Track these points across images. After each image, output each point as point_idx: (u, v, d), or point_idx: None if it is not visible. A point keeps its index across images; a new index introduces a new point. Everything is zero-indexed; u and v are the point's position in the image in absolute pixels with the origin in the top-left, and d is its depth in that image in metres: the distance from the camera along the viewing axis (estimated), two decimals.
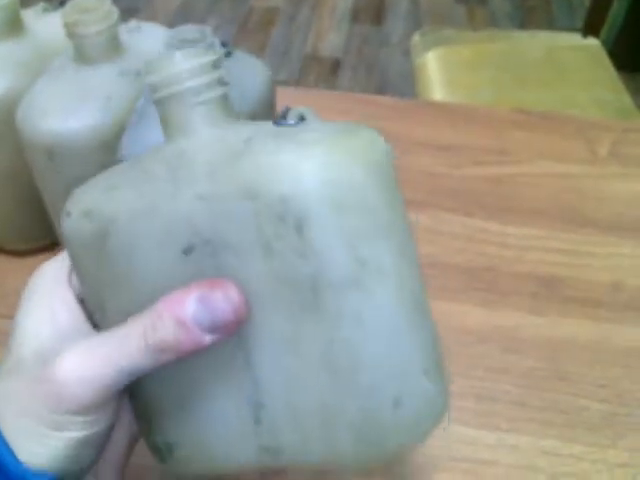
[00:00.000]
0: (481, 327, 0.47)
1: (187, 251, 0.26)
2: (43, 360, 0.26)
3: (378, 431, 0.26)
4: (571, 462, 0.41)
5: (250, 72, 0.44)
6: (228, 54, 0.44)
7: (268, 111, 0.45)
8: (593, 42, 1.30)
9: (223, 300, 0.25)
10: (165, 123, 0.27)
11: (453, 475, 0.40)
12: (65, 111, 0.41)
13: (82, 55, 0.42)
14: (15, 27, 0.44)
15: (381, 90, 1.90)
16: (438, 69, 1.25)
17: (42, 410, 0.26)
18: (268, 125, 0.27)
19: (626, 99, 1.18)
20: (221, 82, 0.27)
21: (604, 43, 1.30)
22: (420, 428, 0.27)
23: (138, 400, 0.30)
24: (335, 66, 1.99)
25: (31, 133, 0.41)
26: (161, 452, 0.30)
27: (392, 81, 1.94)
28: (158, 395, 0.29)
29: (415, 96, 1.25)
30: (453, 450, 0.41)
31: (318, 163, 0.24)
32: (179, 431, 0.29)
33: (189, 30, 0.39)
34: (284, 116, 0.27)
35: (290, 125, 0.27)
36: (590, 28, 1.40)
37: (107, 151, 0.40)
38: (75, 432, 0.26)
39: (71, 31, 0.41)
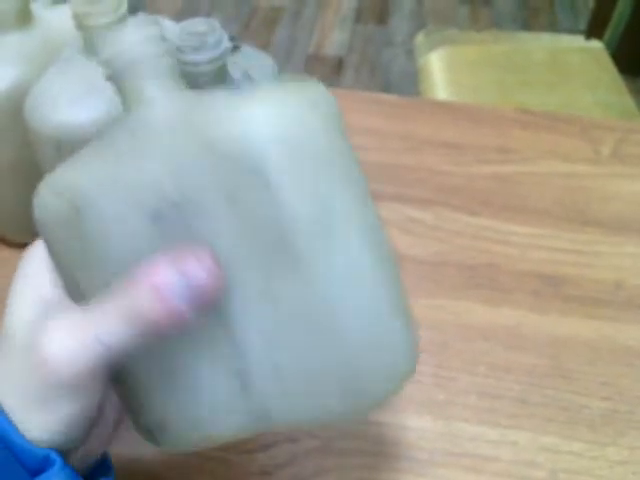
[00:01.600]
0: (484, 324, 0.47)
1: (155, 217, 0.26)
2: (31, 338, 0.27)
3: (361, 379, 0.27)
4: (571, 459, 0.41)
5: (257, 67, 0.44)
6: (235, 48, 0.44)
7: None
8: (596, 45, 1.30)
9: (196, 266, 0.25)
10: (123, 96, 0.28)
11: (454, 470, 0.40)
12: (73, 103, 0.41)
13: (91, 47, 0.42)
14: (25, 18, 0.45)
15: (385, 90, 1.90)
16: (441, 69, 1.26)
17: (31, 386, 0.26)
18: (221, 91, 0.27)
19: (629, 101, 1.19)
20: (170, 53, 0.28)
21: (607, 46, 1.31)
22: (399, 372, 0.27)
23: (126, 383, 0.30)
24: (339, 65, 2.00)
25: (39, 125, 0.41)
26: (153, 433, 0.30)
27: (396, 81, 1.94)
28: (144, 375, 0.29)
29: (418, 96, 1.25)
30: (454, 446, 0.41)
31: (272, 111, 0.25)
32: (168, 408, 0.29)
33: (198, 23, 0.39)
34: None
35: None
36: (594, 30, 1.40)
37: None
38: (64, 407, 0.26)
39: (80, 23, 0.41)
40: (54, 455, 0.26)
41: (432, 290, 0.50)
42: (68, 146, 0.41)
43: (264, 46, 2.04)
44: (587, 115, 1.12)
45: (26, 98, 0.42)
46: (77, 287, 0.28)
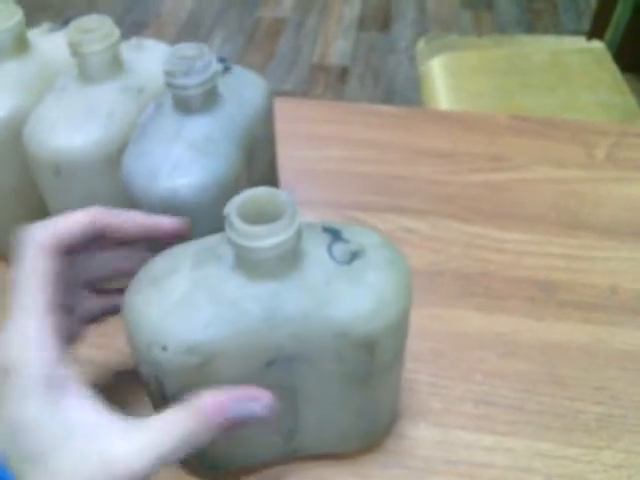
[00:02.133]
0: (479, 332, 0.48)
1: (269, 364, 0.33)
2: (58, 389, 0.29)
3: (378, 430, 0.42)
4: (567, 463, 0.41)
5: (249, 87, 0.45)
6: (226, 69, 0.45)
7: (266, 126, 0.46)
8: (597, 45, 1.31)
9: (259, 407, 0.31)
10: (253, 268, 0.32)
11: (449, 478, 0.40)
12: (70, 128, 0.42)
13: (85, 73, 0.43)
14: (21, 47, 0.46)
15: (389, 97, 1.91)
16: (443, 76, 1.27)
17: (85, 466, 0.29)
18: (331, 264, 0.33)
19: (631, 101, 1.19)
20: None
21: (609, 46, 1.31)
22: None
23: None
24: (343, 74, 2.01)
25: (38, 150, 0.42)
26: (199, 464, 0.40)
27: (400, 88, 1.95)
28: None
29: (421, 102, 1.26)
30: (450, 453, 0.42)
31: (388, 311, 0.34)
32: (225, 459, 0.39)
33: (188, 47, 0.40)
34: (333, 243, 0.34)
35: (350, 263, 0.34)
36: (597, 31, 1.40)
37: (111, 166, 0.42)
38: None
39: (75, 50, 0.42)
40: None
41: (428, 300, 0.50)
42: (66, 170, 0.42)
43: (268, 57, 2.06)
44: (589, 117, 1.13)
45: (24, 125, 0.43)
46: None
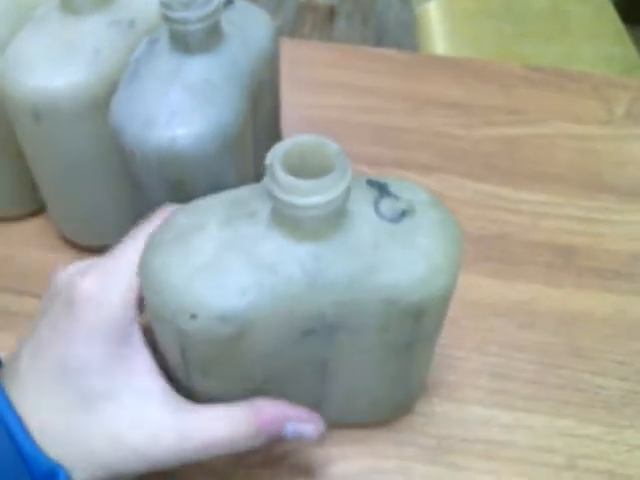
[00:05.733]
0: (494, 300, 0.45)
1: (307, 334, 0.30)
2: (125, 337, 0.29)
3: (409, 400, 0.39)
4: (589, 443, 0.39)
5: (253, 23, 0.40)
6: (228, 3, 0.40)
7: (272, 65, 0.41)
8: None
9: (311, 430, 0.31)
10: (294, 228, 0.28)
11: (466, 458, 0.38)
12: (51, 66, 0.37)
13: (69, 4, 0.38)
14: None
15: (379, 39, 1.84)
16: (439, 20, 1.21)
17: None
18: (379, 223, 0.29)
19: (632, 53, 1.14)
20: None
21: None
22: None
23: None
24: (330, 14, 1.93)
25: (14, 92, 0.37)
26: None
27: (390, 30, 1.88)
28: None
29: (415, 46, 1.20)
30: (467, 431, 0.39)
31: (440, 278, 0.30)
32: None
33: None
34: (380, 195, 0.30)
35: (398, 222, 0.30)
36: None
37: (99, 110, 0.37)
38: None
39: None
40: (60, 470, 0.27)
41: None
42: (47, 115, 0.38)
43: None
44: (589, 68, 1.08)
45: None
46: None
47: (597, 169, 0.53)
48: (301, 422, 0.30)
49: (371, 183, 0.31)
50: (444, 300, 0.31)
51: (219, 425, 0.29)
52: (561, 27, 1.19)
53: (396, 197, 0.30)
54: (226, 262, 0.28)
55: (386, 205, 0.30)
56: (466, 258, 0.47)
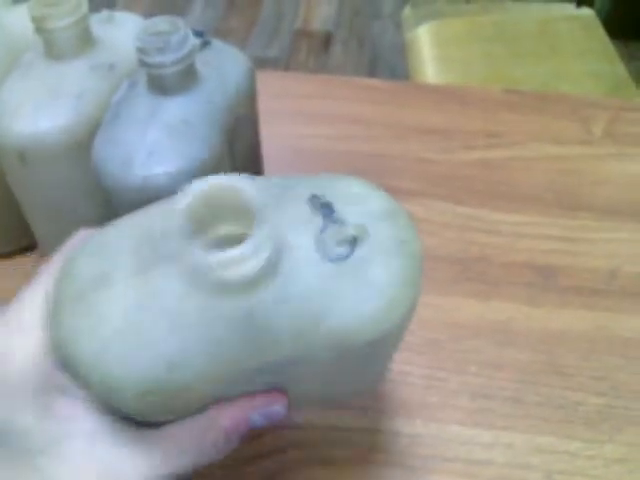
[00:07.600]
0: (474, 321, 0.46)
1: (250, 377, 0.27)
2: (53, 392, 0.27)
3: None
4: (567, 459, 0.40)
5: (230, 62, 0.42)
6: (205, 44, 0.42)
7: (249, 104, 0.43)
8: (587, 12, 1.28)
9: (278, 409, 0.29)
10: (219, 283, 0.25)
11: (447, 477, 0.39)
12: (36, 111, 0.39)
13: (52, 50, 0.40)
14: None
15: (374, 64, 1.87)
16: (429, 44, 1.23)
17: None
18: (323, 262, 0.26)
19: (621, 70, 1.16)
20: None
21: (598, 12, 1.28)
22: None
23: None
24: (326, 40, 1.96)
25: (1, 137, 0.39)
26: None
27: (384, 55, 1.91)
28: None
29: (407, 70, 1.22)
30: (447, 450, 0.40)
31: (397, 308, 0.27)
32: None
33: (161, 22, 0.37)
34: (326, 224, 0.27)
35: (346, 258, 0.27)
36: None
37: (82, 152, 0.39)
38: None
39: (39, 26, 0.39)
40: None
41: (424, 287, 0.48)
42: (32, 157, 0.39)
43: (250, 23, 2.00)
44: (578, 87, 1.10)
45: None
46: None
47: (575, 189, 0.54)
48: (265, 407, 0.28)
49: (314, 203, 0.27)
50: (404, 327, 0.30)
51: (184, 446, 0.27)
52: (550, 47, 1.21)
53: (342, 222, 0.27)
54: (142, 327, 0.24)
55: (332, 236, 0.26)
56: (447, 280, 0.48)
